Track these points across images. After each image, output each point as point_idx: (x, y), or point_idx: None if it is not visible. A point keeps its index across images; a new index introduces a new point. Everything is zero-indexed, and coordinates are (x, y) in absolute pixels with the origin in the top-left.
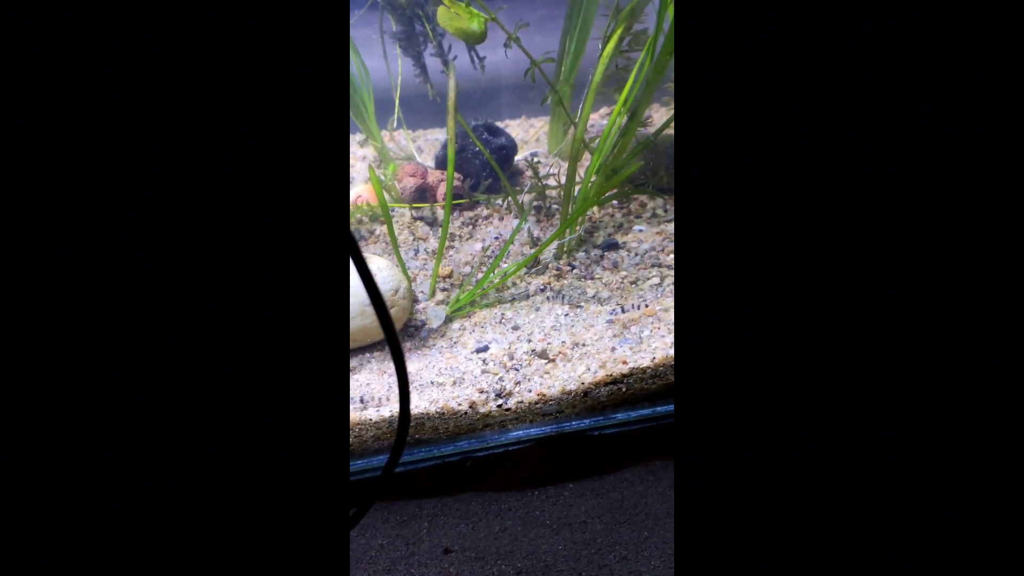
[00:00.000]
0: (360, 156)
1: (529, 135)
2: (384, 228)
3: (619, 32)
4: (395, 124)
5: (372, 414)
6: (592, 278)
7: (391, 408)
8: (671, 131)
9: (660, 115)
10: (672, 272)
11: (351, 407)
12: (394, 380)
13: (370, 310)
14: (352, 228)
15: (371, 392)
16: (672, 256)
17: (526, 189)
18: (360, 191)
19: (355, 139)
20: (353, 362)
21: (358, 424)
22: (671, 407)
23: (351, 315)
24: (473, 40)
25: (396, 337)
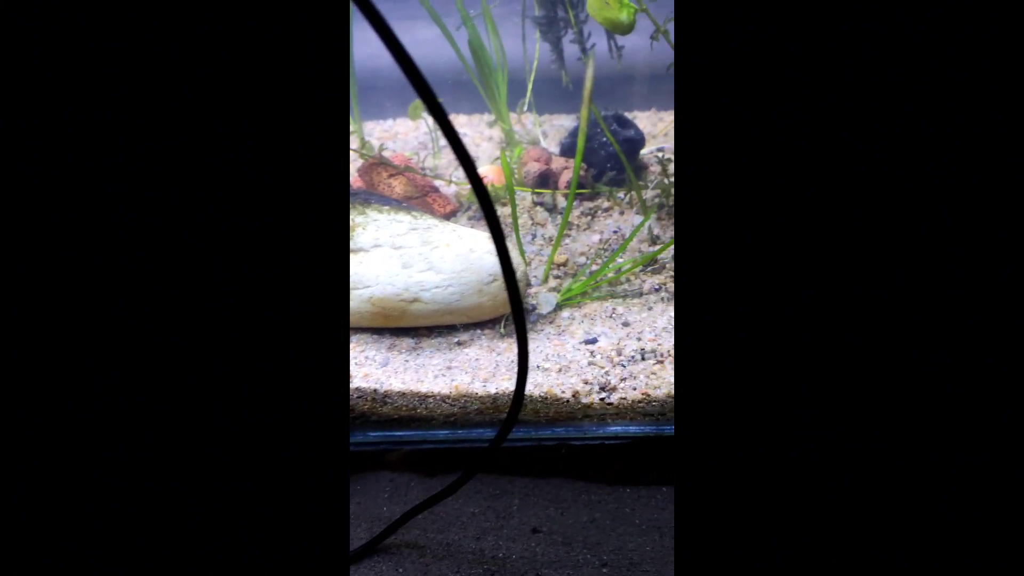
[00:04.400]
0: (487, 136)
1: (658, 129)
2: (506, 210)
3: None
4: (525, 107)
5: (478, 388)
6: None
7: (496, 385)
8: None
9: None
10: None
11: (460, 380)
12: (501, 359)
13: (487, 288)
14: (477, 208)
15: (479, 367)
16: None
17: (651, 185)
18: (486, 171)
19: (484, 119)
20: (464, 336)
21: (464, 396)
22: None
23: (469, 292)
24: (620, 31)
25: (523, 320)
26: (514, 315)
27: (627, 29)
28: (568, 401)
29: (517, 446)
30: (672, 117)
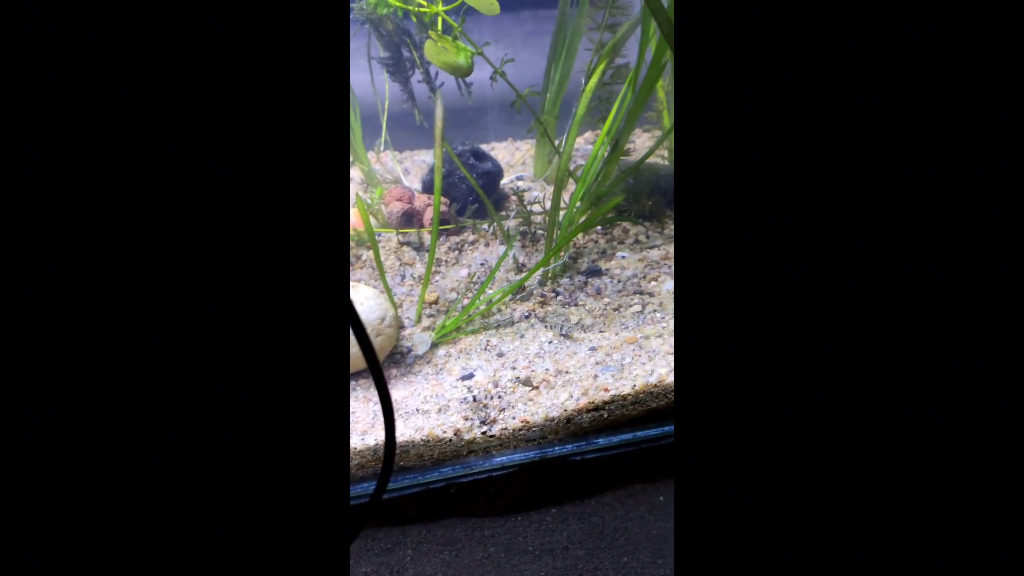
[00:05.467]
0: None
1: (515, 158)
2: (370, 253)
3: (602, 67)
4: (382, 146)
5: (356, 442)
6: (576, 305)
7: (376, 436)
8: (653, 159)
9: (642, 140)
10: (653, 300)
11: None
12: (378, 408)
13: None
14: None
15: (356, 419)
16: (654, 283)
17: (512, 215)
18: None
19: None
20: None
21: None
22: (651, 432)
23: None
24: (460, 73)
25: (380, 369)
26: (371, 368)
27: (466, 72)
28: (451, 440)
29: (405, 494)
30: (527, 146)
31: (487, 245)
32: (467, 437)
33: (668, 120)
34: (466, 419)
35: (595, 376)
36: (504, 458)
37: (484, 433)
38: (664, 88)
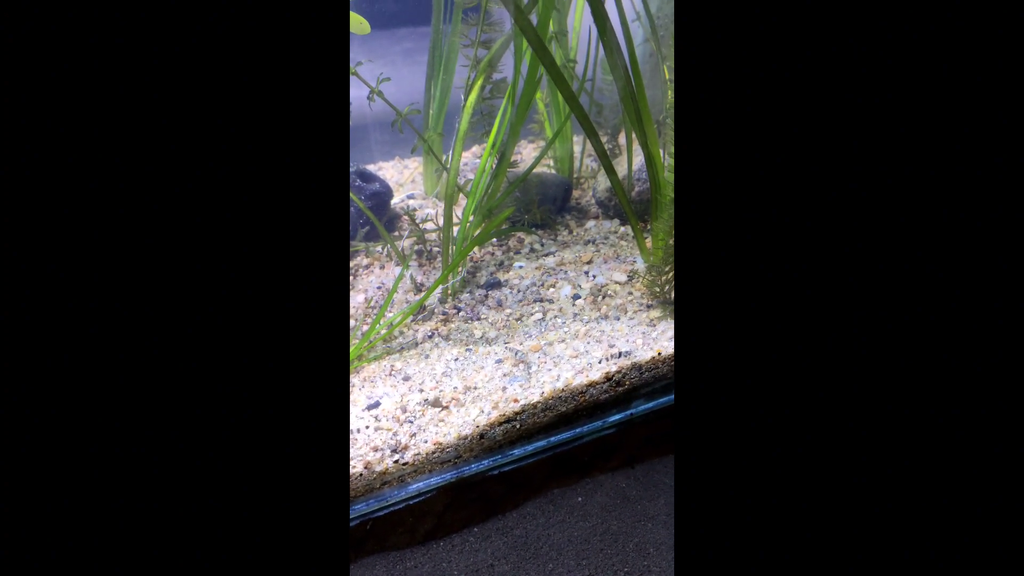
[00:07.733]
0: None
1: (404, 177)
2: None
3: (480, 82)
4: None
5: None
6: (479, 319)
7: None
8: (539, 168)
9: (528, 151)
10: (553, 306)
11: None
12: None
13: None
14: None
15: None
16: (552, 290)
17: (405, 234)
18: None
19: None
20: None
21: None
22: (564, 435)
23: None
24: None
25: None
26: None
27: None
28: (362, 474)
29: None
30: (415, 164)
31: (382, 268)
32: (379, 468)
33: (550, 130)
34: (376, 450)
35: (504, 388)
36: (420, 484)
37: (396, 462)
38: (543, 100)
